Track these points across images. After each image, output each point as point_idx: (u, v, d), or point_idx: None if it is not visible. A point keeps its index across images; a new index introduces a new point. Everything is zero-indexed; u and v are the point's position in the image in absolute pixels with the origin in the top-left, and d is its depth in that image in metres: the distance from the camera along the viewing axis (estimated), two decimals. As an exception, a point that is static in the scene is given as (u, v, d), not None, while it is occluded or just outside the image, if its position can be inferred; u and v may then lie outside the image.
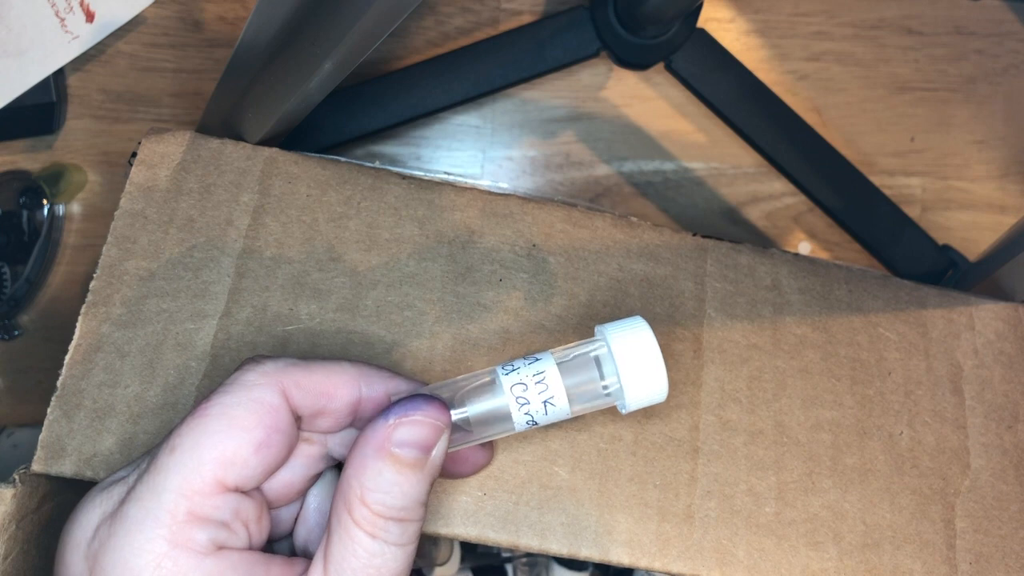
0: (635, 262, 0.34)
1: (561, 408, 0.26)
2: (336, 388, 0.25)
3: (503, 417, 0.26)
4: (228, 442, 0.23)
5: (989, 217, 0.48)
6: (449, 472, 0.29)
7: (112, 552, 0.22)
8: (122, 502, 0.23)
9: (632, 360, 0.26)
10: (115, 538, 0.22)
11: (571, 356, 0.26)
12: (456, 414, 0.25)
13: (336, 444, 0.26)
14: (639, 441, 0.31)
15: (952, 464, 0.33)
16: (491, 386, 0.26)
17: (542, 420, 0.26)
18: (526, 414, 0.26)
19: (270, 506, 0.25)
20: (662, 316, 0.33)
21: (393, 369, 0.28)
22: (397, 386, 0.26)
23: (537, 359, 0.26)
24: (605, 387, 0.26)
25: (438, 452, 0.23)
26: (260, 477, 0.24)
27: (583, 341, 0.27)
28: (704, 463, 0.31)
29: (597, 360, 0.26)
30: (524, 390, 0.26)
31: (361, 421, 0.26)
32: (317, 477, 0.27)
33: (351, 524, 0.22)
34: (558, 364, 0.26)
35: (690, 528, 0.30)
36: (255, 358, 0.25)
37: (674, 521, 0.30)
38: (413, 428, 0.23)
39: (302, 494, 0.27)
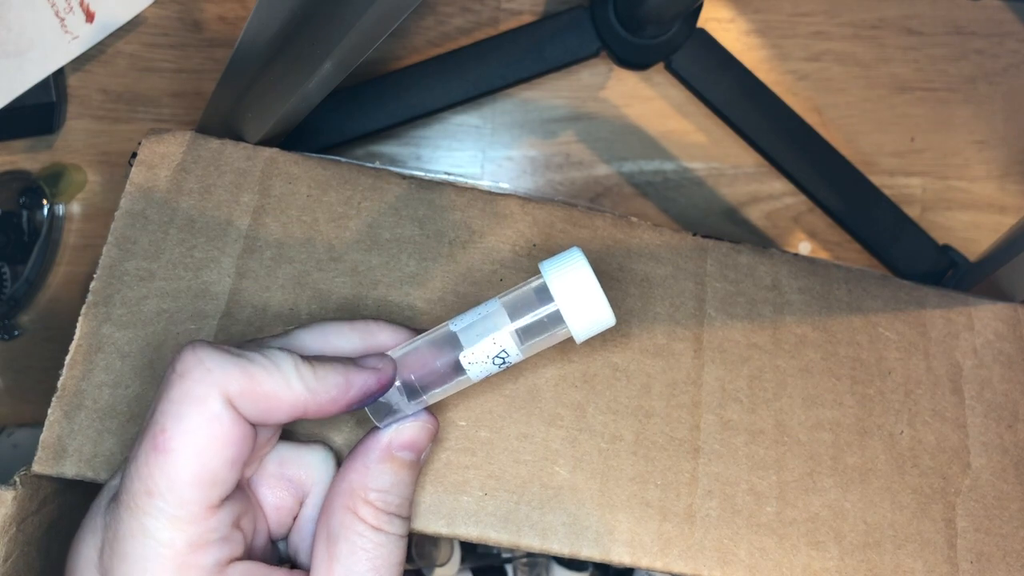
0: (635, 262, 0.34)
1: (514, 359, 0.27)
2: (279, 400, 0.24)
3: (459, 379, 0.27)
4: (204, 472, 0.22)
5: (989, 217, 0.48)
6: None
7: None
8: (117, 538, 0.23)
9: (570, 291, 0.26)
10: (123, 567, 0.23)
11: (513, 294, 0.27)
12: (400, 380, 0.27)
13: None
14: (640, 441, 0.31)
15: (952, 463, 0.33)
16: (452, 367, 0.27)
17: (494, 373, 0.27)
18: (480, 373, 0.27)
19: (257, 450, 0.25)
20: (662, 316, 0.33)
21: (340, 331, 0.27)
22: (356, 380, 0.25)
23: (495, 327, 0.26)
24: (551, 320, 0.27)
25: (424, 455, 0.27)
26: (239, 476, 0.24)
27: (527, 281, 0.28)
28: (705, 463, 0.31)
29: (540, 297, 0.27)
30: (486, 369, 0.27)
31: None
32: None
33: (357, 521, 0.25)
34: (507, 312, 0.27)
35: (691, 528, 0.30)
36: (193, 349, 0.23)
37: (675, 521, 0.30)
38: (414, 432, 0.26)
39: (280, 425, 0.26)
